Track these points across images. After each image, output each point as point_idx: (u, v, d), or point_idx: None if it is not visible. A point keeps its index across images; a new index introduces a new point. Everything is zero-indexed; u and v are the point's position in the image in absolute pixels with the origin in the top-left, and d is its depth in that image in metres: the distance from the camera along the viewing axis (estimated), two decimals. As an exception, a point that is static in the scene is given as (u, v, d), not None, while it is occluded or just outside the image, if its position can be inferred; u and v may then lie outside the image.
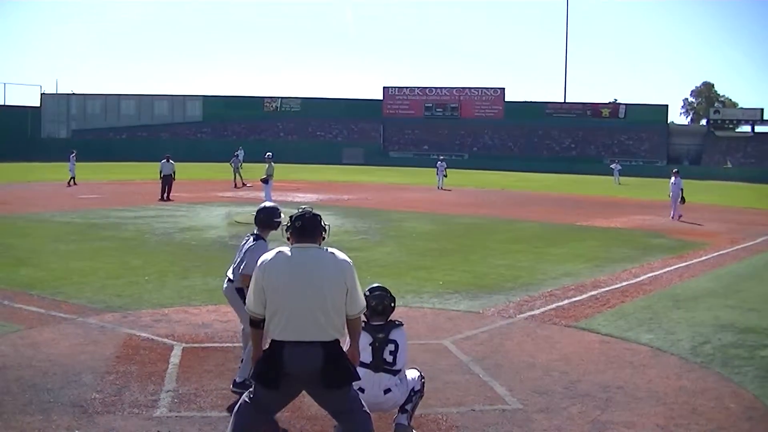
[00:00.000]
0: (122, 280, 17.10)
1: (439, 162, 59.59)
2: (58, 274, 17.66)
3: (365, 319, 8.14)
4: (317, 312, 6.71)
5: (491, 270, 19.46)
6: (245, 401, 7.01)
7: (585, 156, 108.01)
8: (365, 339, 8.03)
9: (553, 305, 15.30)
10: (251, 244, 9.88)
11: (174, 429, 8.41)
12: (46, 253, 21.03)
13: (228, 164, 55.99)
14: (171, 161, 42.34)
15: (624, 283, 18.00)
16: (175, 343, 11.90)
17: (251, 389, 7.05)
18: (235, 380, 9.69)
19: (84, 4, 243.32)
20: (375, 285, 8.71)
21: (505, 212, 37.37)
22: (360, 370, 7.37)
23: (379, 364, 8.17)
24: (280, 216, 9.88)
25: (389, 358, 8.22)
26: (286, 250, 6.96)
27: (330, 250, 6.99)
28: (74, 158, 52.26)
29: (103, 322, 13.11)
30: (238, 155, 56.34)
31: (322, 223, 7.11)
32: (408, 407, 8.30)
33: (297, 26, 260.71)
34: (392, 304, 8.59)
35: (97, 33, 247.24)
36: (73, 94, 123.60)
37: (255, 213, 10.18)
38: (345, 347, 7.02)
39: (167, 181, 41.49)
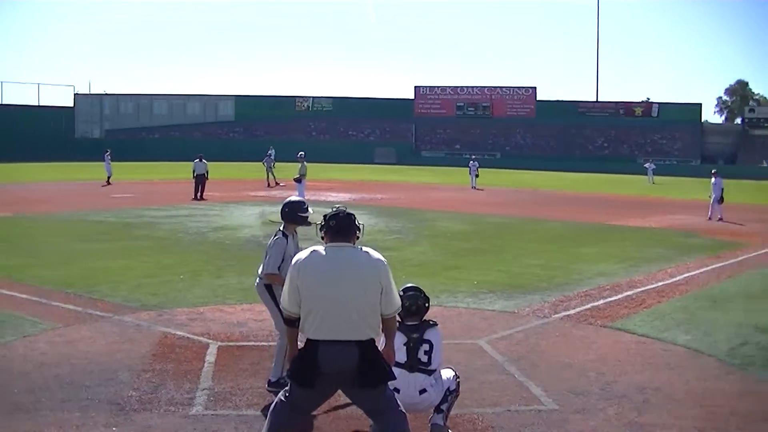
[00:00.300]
0: (157, 278, 17.19)
1: (471, 162, 59.45)
2: (94, 273, 17.78)
3: (399, 320, 8.11)
4: (352, 311, 6.71)
5: (525, 270, 19.40)
6: (281, 400, 7.02)
7: (618, 155, 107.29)
8: (400, 339, 8.04)
9: (589, 305, 15.22)
10: (271, 240, 9.97)
11: (210, 427, 8.44)
12: (81, 252, 21.17)
13: (261, 164, 56.07)
14: (204, 161, 42.50)
15: (660, 284, 17.86)
16: (210, 341, 11.95)
17: (287, 388, 7.06)
18: (270, 380, 9.73)
19: (116, 5, 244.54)
20: (408, 285, 8.68)
21: (539, 212, 37.23)
22: (395, 370, 7.35)
23: (413, 364, 8.16)
24: (306, 210, 9.98)
25: (424, 358, 8.21)
26: (321, 249, 6.96)
27: (364, 249, 6.99)
28: (109, 157, 52.66)
29: (139, 321, 13.19)
30: (270, 155, 56.43)
31: (357, 223, 7.12)
32: (443, 407, 8.28)
33: (328, 26, 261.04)
34: (426, 304, 8.57)
35: (130, 33, 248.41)
36: (106, 94, 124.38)
37: (281, 208, 10.20)
38: (380, 347, 7.02)
39: (200, 180, 41.68)
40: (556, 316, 14.26)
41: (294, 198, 10.47)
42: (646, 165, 75.77)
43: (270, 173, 54.27)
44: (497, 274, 18.65)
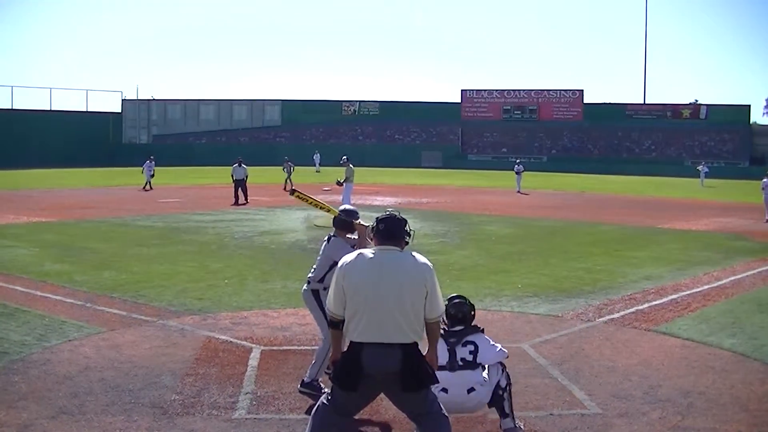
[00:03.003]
0: (202, 283, 17.29)
1: (516, 165, 59.11)
2: (140, 277, 17.92)
3: (445, 327, 8.25)
4: (396, 313, 6.71)
5: (570, 273, 19.30)
6: (323, 403, 7.05)
7: (665, 158, 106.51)
8: (442, 344, 8.10)
9: (633, 309, 15.11)
10: (325, 245, 10.01)
11: (252, 431, 8.47)
12: (127, 256, 21.34)
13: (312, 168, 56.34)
14: (243, 165, 42.58)
15: (705, 287, 17.68)
16: (254, 345, 12.00)
17: (329, 391, 7.08)
18: (303, 380, 9.78)
19: (163, 11, 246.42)
20: (454, 295, 8.78)
21: (585, 215, 37.02)
22: (439, 374, 7.33)
23: (454, 364, 8.21)
24: (358, 219, 9.89)
25: (468, 357, 8.27)
26: (367, 252, 7.02)
27: (411, 253, 7.02)
28: (152, 164, 53.17)
29: (183, 325, 13.28)
30: (288, 160, 56.47)
31: (407, 228, 7.18)
32: (507, 409, 8.34)
33: (375, 30, 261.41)
34: (472, 312, 8.65)
35: (177, 38, 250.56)
36: (153, 99, 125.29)
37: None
38: (424, 351, 7.01)
39: (240, 185, 41.88)
40: (601, 320, 14.17)
41: (348, 206, 10.48)
42: (699, 168, 74.92)
43: (288, 179, 53.90)
44: (542, 277, 18.57)
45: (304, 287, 10.23)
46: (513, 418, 8.33)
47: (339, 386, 6.90)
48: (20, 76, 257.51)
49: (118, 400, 9.33)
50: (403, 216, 7.25)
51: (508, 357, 8.63)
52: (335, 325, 7.00)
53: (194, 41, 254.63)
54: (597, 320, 14.13)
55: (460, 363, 8.25)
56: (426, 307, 6.85)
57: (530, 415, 8.99)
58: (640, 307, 15.25)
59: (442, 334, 8.04)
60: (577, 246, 25.14)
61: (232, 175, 42.60)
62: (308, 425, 7.15)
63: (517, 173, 57.50)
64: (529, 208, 41.40)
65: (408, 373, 6.71)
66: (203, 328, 13.11)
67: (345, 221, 9.83)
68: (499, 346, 8.60)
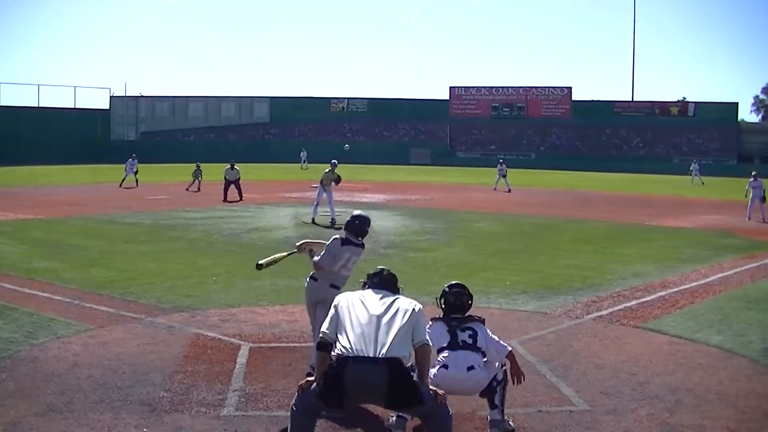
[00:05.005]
0: (190, 280, 17.28)
1: (500, 166, 57.77)
2: (128, 274, 17.89)
3: (443, 314, 8.70)
4: (383, 328, 6.97)
5: (559, 270, 19.34)
6: (300, 396, 7.15)
7: (653, 155, 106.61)
8: (442, 327, 8.52)
9: (622, 306, 15.16)
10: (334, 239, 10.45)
11: (241, 428, 8.48)
12: (115, 253, 21.31)
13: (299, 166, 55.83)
14: (236, 168, 42.59)
15: (693, 284, 17.76)
16: (242, 342, 12.00)
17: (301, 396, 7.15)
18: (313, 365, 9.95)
19: (150, 7, 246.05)
20: (454, 282, 9.06)
21: (573, 212, 37.07)
22: (441, 356, 8.13)
23: (455, 344, 8.39)
24: (370, 225, 10.64)
25: (468, 341, 8.43)
26: (363, 290, 7.69)
27: (401, 297, 7.59)
28: (135, 161, 52.87)
29: (172, 322, 13.27)
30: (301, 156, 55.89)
31: (398, 285, 7.86)
32: (497, 401, 8.40)
33: (363, 27, 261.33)
34: (470, 301, 8.88)
35: (165, 35, 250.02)
36: (142, 96, 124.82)
37: (348, 219, 10.65)
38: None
39: (234, 184, 41.84)
40: (589, 316, 14.21)
41: (362, 213, 10.85)
42: (692, 167, 74.86)
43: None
44: (531, 274, 18.61)
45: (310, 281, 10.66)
46: (502, 411, 8.37)
47: (324, 404, 6.99)
48: (7, 73, 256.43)
49: (106, 397, 9.32)
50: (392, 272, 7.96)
51: (511, 351, 8.70)
52: (323, 347, 7.13)
53: (183, 38, 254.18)
54: (585, 317, 14.16)
55: (461, 344, 8.39)
56: (414, 331, 7.09)
57: (518, 412, 9.01)
58: (628, 304, 15.30)
59: (441, 318, 8.59)
60: (565, 243, 25.20)
61: (225, 177, 42.49)
62: (290, 419, 7.23)
63: (499, 172, 56.46)
64: (517, 205, 41.42)
65: (393, 391, 6.76)
66: (192, 325, 13.09)
67: (358, 228, 10.53)
68: (497, 337, 8.71)
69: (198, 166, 50.39)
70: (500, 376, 8.44)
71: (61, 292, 15.72)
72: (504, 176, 55.31)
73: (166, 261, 20.10)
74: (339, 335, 7.00)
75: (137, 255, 21.12)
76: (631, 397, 9.65)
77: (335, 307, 7.29)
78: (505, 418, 8.42)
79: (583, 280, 17.97)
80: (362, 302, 7.25)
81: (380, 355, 6.74)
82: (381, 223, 28.59)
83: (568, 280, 17.86)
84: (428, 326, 8.31)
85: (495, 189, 53.95)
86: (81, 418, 8.64)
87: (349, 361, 6.74)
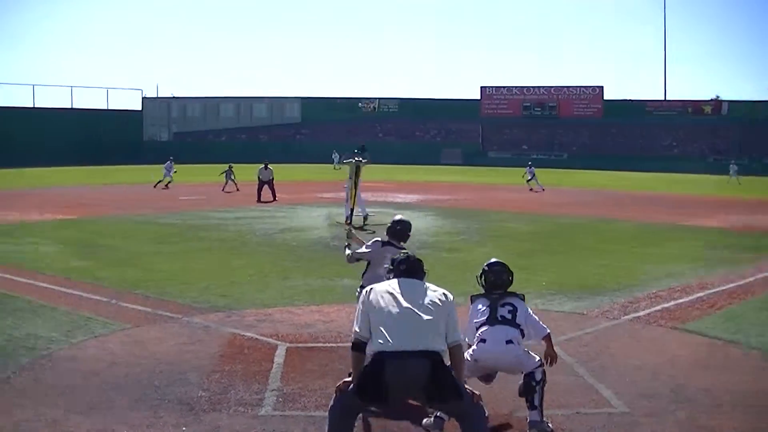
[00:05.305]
0: (225, 280, 17.33)
1: (528, 168, 57.75)
2: (163, 274, 17.98)
3: (483, 288, 8.90)
4: (421, 320, 6.92)
5: (594, 270, 19.26)
6: (338, 397, 7.15)
7: (686, 155, 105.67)
8: (482, 302, 8.72)
9: (659, 307, 15.02)
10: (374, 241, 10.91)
11: (278, 428, 8.49)
12: (149, 253, 21.44)
13: (333, 166, 55.79)
14: (269, 168, 42.63)
15: (731, 285, 17.53)
16: (279, 342, 12.01)
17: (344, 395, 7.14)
18: None
19: (183, 9, 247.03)
20: (493, 260, 9.28)
21: (606, 212, 36.84)
22: (480, 331, 8.34)
23: (494, 318, 8.50)
24: (411, 230, 11.05)
25: (508, 316, 8.54)
26: (390, 281, 7.49)
27: (430, 285, 7.46)
28: (172, 164, 53.10)
29: (208, 322, 13.31)
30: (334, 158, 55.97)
31: (424, 269, 7.65)
32: (536, 402, 8.35)
33: (395, 27, 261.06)
34: (510, 278, 9.05)
35: (197, 36, 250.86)
36: (174, 97, 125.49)
37: (390, 224, 11.07)
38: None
39: (267, 184, 41.87)
40: (626, 317, 14.10)
41: (404, 217, 11.28)
42: (731, 166, 74.20)
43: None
44: (565, 274, 18.52)
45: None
46: (541, 412, 8.34)
47: (363, 401, 7.00)
48: (41, 75, 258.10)
49: (144, 396, 9.36)
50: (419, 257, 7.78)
51: (548, 333, 8.84)
52: (358, 347, 7.14)
53: (214, 39, 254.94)
54: (622, 318, 14.06)
55: (499, 318, 8.51)
56: (448, 327, 7.07)
57: (556, 413, 8.94)
58: (666, 305, 15.15)
59: (482, 295, 8.76)
60: (599, 243, 25.08)
61: (258, 177, 42.53)
62: (327, 421, 7.23)
63: (528, 172, 56.49)
64: (549, 205, 41.25)
65: (434, 384, 6.76)
66: (228, 325, 13.14)
67: (399, 232, 10.90)
68: (537, 317, 8.87)
69: (230, 167, 50.44)
70: (539, 376, 8.40)
71: (97, 291, 15.82)
72: (533, 176, 55.30)
73: (201, 261, 20.22)
74: (373, 332, 6.97)
75: (172, 255, 21.24)
76: (669, 399, 9.55)
77: (364, 303, 7.21)
78: (544, 419, 8.39)
79: (619, 280, 17.82)
80: (392, 295, 7.13)
81: (419, 349, 6.75)
82: (413, 223, 27.93)
83: (603, 281, 17.75)
84: (469, 304, 8.71)
85: (531, 189, 53.73)
86: (120, 416, 8.68)
87: (388, 356, 6.73)
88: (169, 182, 51.96)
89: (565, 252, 22.82)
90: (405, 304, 7.01)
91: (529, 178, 55.72)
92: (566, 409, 9.18)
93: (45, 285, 16.42)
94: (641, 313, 14.41)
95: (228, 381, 10.03)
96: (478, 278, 9.11)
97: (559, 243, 25.07)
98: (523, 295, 8.90)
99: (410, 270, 7.52)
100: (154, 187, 50.94)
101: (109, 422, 8.48)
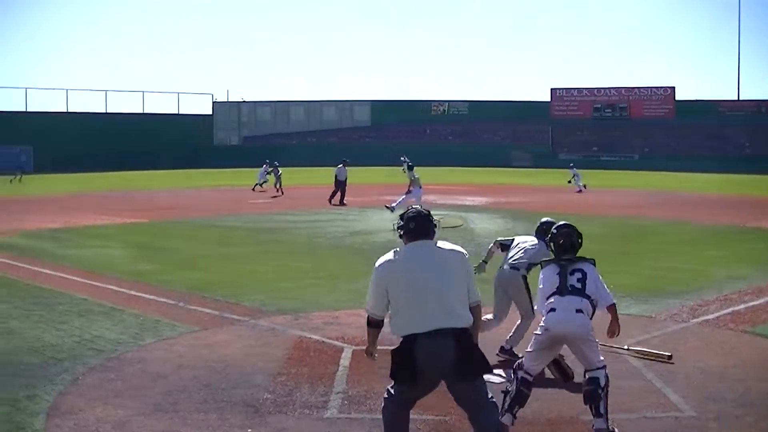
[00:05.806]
0: (293, 283, 17.42)
1: (571, 169, 57.31)
2: (230, 277, 18.17)
3: (554, 256, 8.85)
4: (444, 297, 6.89)
5: (662, 273, 19.02)
6: (386, 398, 7.32)
7: (760, 155, 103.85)
8: (552, 270, 8.67)
9: (729, 309, 14.78)
10: (534, 243, 11.90)
11: (344, 430, 8.55)
12: (219, 256, 21.63)
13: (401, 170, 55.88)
14: (346, 168, 42.62)
15: (804, 288, 17.22)
16: (345, 345, 12.03)
17: (391, 385, 7.25)
18: (503, 346, 11.08)
19: (253, 15, 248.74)
20: (561, 223, 9.30)
21: (676, 214, 36.37)
22: (549, 300, 8.44)
23: (564, 288, 8.48)
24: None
25: (577, 285, 8.51)
26: (401, 248, 7.25)
27: (442, 241, 7.31)
28: (267, 168, 53.52)
29: (275, 324, 13.40)
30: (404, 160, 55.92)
31: (433, 222, 7.38)
32: (602, 409, 8.24)
33: (464, 29, 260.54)
34: (579, 240, 8.94)
35: (266, 41, 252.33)
36: (244, 101, 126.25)
37: (538, 224, 11.96)
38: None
39: (341, 186, 41.94)
40: (695, 320, 13.91)
41: (551, 219, 11.64)
42: None
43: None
44: (632, 277, 18.30)
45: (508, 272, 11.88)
46: (607, 419, 8.22)
47: (399, 382, 7.08)
48: (113, 81, 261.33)
49: (211, 398, 9.46)
50: (427, 210, 7.49)
51: (614, 304, 8.89)
52: (375, 324, 7.34)
53: (284, 43, 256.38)
54: (691, 321, 13.87)
55: (569, 288, 8.48)
56: (469, 288, 7.08)
57: (622, 418, 8.85)
58: (736, 308, 14.91)
59: (552, 260, 8.73)
60: (667, 245, 24.81)
61: (336, 176, 42.38)
62: (382, 424, 7.37)
63: (571, 174, 56.21)
64: (617, 207, 40.77)
65: (462, 361, 6.79)
66: (294, 327, 13.20)
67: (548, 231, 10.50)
68: (604, 285, 8.85)
69: (276, 166, 51.09)
70: (602, 382, 8.31)
71: (165, 294, 16.04)
72: (574, 176, 55.38)
73: (270, 264, 20.36)
74: (396, 311, 7.03)
75: (241, 258, 21.42)
76: (737, 404, 9.40)
77: (377, 280, 7.15)
78: (611, 426, 8.27)
79: (687, 282, 17.58)
80: (407, 268, 7.02)
81: (448, 327, 6.77)
82: (483, 225, 28.53)
83: (672, 283, 17.52)
84: (540, 271, 8.80)
85: (579, 191, 53.28)
86: (187, 417, 8.79)
87: (418, 338, 6.80)
88: (260, 184, 52.46)
89: (633, 254, 22.59)
90: (425, 279, 6.90)
91: (570, 179, 55.51)
92: (633, 413, 9.10)
93: (114, 288, 16.70)
94: (710, 316, 14.21)
95: (294, 383, 10.08)
96: (547, 242, 9.18)
97: (627, 245, 24.82)
98: (594, 260, 8.82)
99: (420, 229, 7.22)
100: (252, 189, 51.73)
101: (175, 424, 8.59)
